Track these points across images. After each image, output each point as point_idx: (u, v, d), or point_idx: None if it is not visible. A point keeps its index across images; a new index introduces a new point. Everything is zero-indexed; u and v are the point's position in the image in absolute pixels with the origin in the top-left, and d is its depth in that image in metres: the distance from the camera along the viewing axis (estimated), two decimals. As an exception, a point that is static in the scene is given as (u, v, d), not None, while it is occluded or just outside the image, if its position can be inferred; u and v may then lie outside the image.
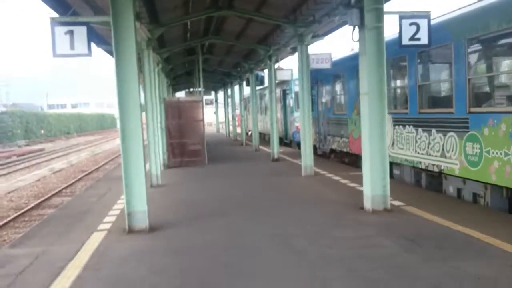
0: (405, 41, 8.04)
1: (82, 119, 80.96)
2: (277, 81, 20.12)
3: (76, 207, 10.44)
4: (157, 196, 10.89)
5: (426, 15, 8.04)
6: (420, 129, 10.86)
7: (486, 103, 8.82)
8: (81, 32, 7.29)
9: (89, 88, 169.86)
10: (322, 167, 14.67)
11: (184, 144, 17.18)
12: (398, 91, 12.83)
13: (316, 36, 12.73)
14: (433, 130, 10.26)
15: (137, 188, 7.29)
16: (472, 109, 8.92)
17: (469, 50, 8.92)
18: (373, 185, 8.27)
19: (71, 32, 7.29)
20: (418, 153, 10.95)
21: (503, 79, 8.98)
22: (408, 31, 8.02)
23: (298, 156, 19.25)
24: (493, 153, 8.28)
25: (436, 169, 10.26)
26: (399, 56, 11.50)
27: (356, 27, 8.05)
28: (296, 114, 24.98)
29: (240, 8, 12.61)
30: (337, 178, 12.56)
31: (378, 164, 8.17)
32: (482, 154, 8.58)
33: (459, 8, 9.34)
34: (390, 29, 9.54)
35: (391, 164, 12.89)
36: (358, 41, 8.14)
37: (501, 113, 8.07)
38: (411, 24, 8.03)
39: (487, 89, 9.22)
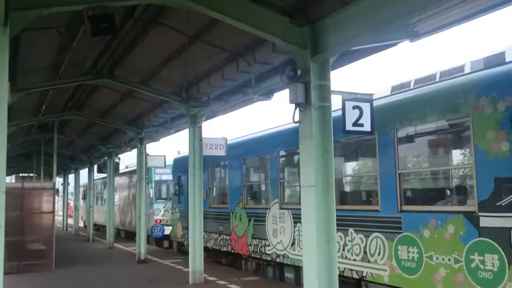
0: (349, 126, 6.86)
1: None
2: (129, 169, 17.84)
3: None
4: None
5: (369, 99, 7.06)
6: (332, 228, 9.60)
7: (425, 201, 7.98)
8: None
9: None
10: (209, 271, 12.45)
11: (23, 243, 13.43)
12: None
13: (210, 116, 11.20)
14: (351, 230, 9.08)
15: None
16: (406, 207, 7.98)
17: (400, 140, 8.16)
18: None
19: None
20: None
21: (447, 172, 8.33)
22: (351, 115, 6.89)
23: (165, 255, 16.74)
24: (438, 259, 7.25)
25: (355, 275, 8.94)
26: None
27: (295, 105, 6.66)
28: (156, 206, 22.56)
29: (124, 78, 10.58)
30: (233, 287, 10.48)
31: (325, 275, 6.46)
32: (422, 259, 7.51)
33: (389, 95, 8.67)
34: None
35: (285, 265, 11.39)
36: (298, 122, 6.72)
37: (447, 213, 7.19)
38: (354, 107, 6.94)
39: (425, 184, 8.47)
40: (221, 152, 11.43)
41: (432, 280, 7.31)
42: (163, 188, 23.60)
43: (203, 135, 10.96)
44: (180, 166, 18.35)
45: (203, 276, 10.83)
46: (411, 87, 8.93)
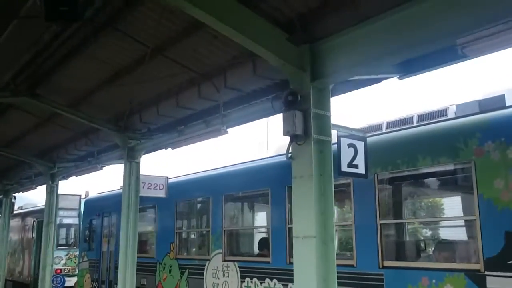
0: (344, 167, 5.84)
1: None
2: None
3: None
4: None
5: (363, 137, 6.13)
6: (291, 285, 8.35)
7: (414, 256, 7.08)
8: None
9: None
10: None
11: None
12: (252, 232, 10.39)
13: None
14: (317, 288, 7.90)
15: None
16: (388, 263, 7.02)
17: (381, 186, 7.29)
18: None
19: None
20: (289, 317, 8.30)
21: (442, 224, 7.51)
22: (347, 155, 5.89)
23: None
24: (431, 324, 6.30)
25: None
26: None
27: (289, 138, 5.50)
28: (57, 253, 19.65)
29: (48, 99, 8.70)
30: None
31: None
32: (411, 324, 6.52)
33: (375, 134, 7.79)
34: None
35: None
36: (291, 158, 5.54)
37: (443, 271, 6.32)
38: (349, 145, 5.96)
39: (413, 237, 7.58)
40: (161, 193, 9.83)
41: None
42: (65, 232, 20.85)
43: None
44: (93, 208, 16.13)
45: None
46: (383, 130, 8.27)
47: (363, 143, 6.14)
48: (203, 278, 10.47)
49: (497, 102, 6.49)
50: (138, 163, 9.27)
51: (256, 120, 6.83)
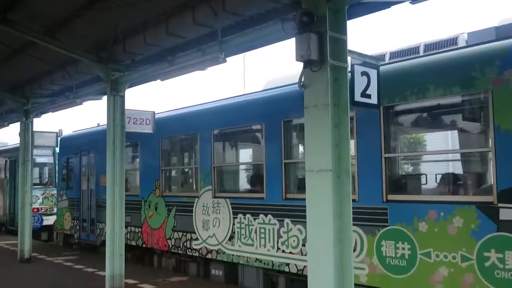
0: (358, 96, 5.43)
1: None
2: None
3: None
4: None
5: (376, 65, 5.69)
6: (287, 220, 8.19)
7: (420, 190, 6.89)
8: None
9: None
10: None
11: None
12: (245, 168, 10.07)
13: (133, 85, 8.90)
14: (315, 222, 7.73)
15: None
16: (393, 197, 6.84)
17: (388, 116, 6.96)
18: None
19: None
20: (284, 251, 8.19)
21: (452, 157, 7.27)
22: (360, 83, 5.46)
23: (52, 252, 13.87)
24: (438, 256, 6.22)
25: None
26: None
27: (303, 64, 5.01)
28: (33, 193, 19.09)
29: (21, 26, 7.81)
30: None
31: (339, 283, 4.93)
32: (416, 257, 6.44)
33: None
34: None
35: (212, 262, 9.74)
36: (303, 87, 5.08)
37: (452, 204, 6.16)
38: (362, 73, 5.52)
39: (420, 170, 7.36)
40: (148, 129, 9.28)
41: (429, 280, 6.28)
42: (39, 172, 20.19)
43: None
44: (70, 146, 15.51)
45: (123, 281, 8.65)
46: (386, 61, 7.84)
47: (376, 71, 5.71)
48: (192, 215, 10.24)
49: (515, 28, 6.10)
50: (122, 97, 8.61)
51: (258, 48, 6.26)
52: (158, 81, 7.82)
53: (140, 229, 11.87)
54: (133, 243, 11.94)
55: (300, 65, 5.00)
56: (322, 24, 4.84)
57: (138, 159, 12.39)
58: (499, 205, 5.69)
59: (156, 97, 60.01)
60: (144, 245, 11.76)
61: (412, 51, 7.62)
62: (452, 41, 7.08)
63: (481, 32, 6.57)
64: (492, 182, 5.82)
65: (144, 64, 8.06)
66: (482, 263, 5.81)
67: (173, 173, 11.88)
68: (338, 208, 4.93)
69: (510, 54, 5.73)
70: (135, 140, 11.61)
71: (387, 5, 5.77)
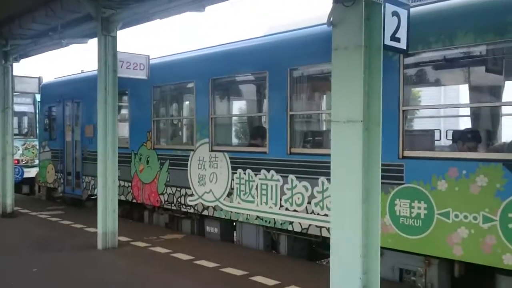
0: (387, 40, 4.83)
1: None
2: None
3: None
4: None
5: (407, 5, 5.07)
6: (292, 177, 7.73)
7: (441, 146, 6.45)
8: None
9: None
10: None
11: None
12: (245, 120, 9.49)
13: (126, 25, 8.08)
14: (322, 179, 7.31)
15: None
16: (409, 153, 6.39)
17: (407, 69, 6.43)
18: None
19: None
20: (288, 209, 7.78)
21: (472, 112, 6.76)
22: (391, 24, 4.86)
23: (35, 205, 13.31)
24: (457, 217, 5.85)
25: (326, 234, 7.28)
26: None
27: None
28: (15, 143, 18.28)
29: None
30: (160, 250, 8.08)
31: (367, 245, 4.51)
32: (433, 217, 6.07)
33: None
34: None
35: (206, 218, 9.34)
36: (332, 25, 4.47)
37: (476, 161, 5.74)
38: (393, 13, 4.91)
39: (438, 125, 6.89)
40: (142, 74, 8.56)
41: (446, 241, 5.94)
42: (18, 121, 19.30)
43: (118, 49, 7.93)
44: (52, 94, 14.65)
45: (117, 238, 8.17)
46: None
47: (406, 12, 5.10)
48: (186, 170, 9.72)
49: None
50: (114, 38, 7.83)
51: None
52: (155, 22, 7.07)
53: (130, 184, 11.34)
54: (122, 198, 11.41)
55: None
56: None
57: (127, 109, 11.69)
58: (530, 163, 5.29)
59: (150, 45, 57.39)
60: (134, 200, 11.28)
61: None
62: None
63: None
64: (524, 139, 5.41)
65: (140, 1, 7.25)
66: (505, 225, 5.47)
67: (167, 124, 11.26)
68: (366, 163, 4.44)
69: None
70: (123, 88, 10.88)
71: None
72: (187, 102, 10.78)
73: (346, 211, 4.47)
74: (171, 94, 10.96)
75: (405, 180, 6.36)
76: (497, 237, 5.54)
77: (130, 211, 11.88)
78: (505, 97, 6.37)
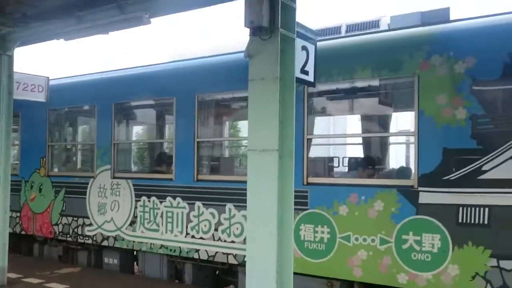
0: (298, 72, 5.12)
1: None
2: None
3: None
4: None
5: (314, 40, 5.44)
6: (199, 203, 7.70)
7: (342, 173, 6.83)
8: None
9: None
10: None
11: None
12: (151, 146, 9.24)
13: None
14: (229, 205, 7.38)
15: None
16: (313, 180, 6.72)
17: (311, 98, 6.81)
18: None
19: None
20: (194, 237, 7.71)
21: (370, 140, 7.21)
22: (300, 58, 5.16)
23: None
24: (357, 240, 6.24)
25: (233, 260, 7.32)
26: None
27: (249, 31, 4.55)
28: None
29: None
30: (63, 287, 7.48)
31: (281, 272, 4.60)
32: (335, 241, 6.41)
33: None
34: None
35: (105, 249, 8.91)
36: (249, 57, 4.62)
37: (374, 187, 6.20)
38: (303, 48, 5.23)
39: (341, 153, 7.27)
40: (40, 97, 8.04)
41: (347, 264, 6.28)
42: None
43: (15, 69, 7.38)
44: None
45: (6, 275, 7.43)
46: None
47: (314, 47, 5.47)
48: (85, 198, 9.23)
49: (441, 15, 6.27)
50: (11, 57, 7.28)
51: (194, 9, 5.58)
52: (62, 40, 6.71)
53: (18, 214, 10.46)
54: (9, 230, 10.46)
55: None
56: (272, -13, 4.43)
57: (18, 133, 10.85)
58: (419, 189, 5.83)
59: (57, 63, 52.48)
60: (23, 232, 10.39)
61: (334, 31, 7.53)
62: (374, 24, 7.12)
63: (405, 17, 6.66)
64: (414, 166, 5.95)
65: (43, 20, 6.86)
66: (400, 246, 5.93)
67: (64, 150, 10.63)
68: (281, 192, 4.59)
69: (437, 39, 5.86)
70: (15, 110, 10.10)
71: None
72: (87, 127, 10.31)
73: (262, 239, 4.55)
74: (69, 118, 10.41)
75: (310, 206, 6.64)
76: (392, 258, 5.98)
77: (18, 244, 10.90)
78: (393, 128, 7.01)
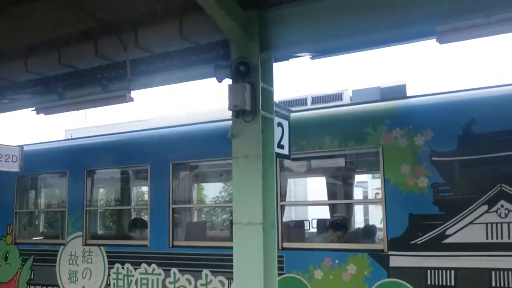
0: (275, 147, 5.52)
1: None
2: None
3: None
4: None
5: (287, 116, 5.89)
6: (175, 270, 7.77)
7: (317, 238, 7.14)
8: None
9: None
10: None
11: None
12: (125, 212, 9.28)
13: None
14: (206, 271, 7.50)
15: None
16: (288, 245, 6.99)
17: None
18: None
19: None
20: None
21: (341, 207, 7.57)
22: (277, 134, 5.58)
23: None
24: (333, 303, 6.49)
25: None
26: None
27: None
28: None
29: None
30: None
31: None
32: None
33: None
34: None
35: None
36: (233, 136, 4.98)
37: (347, 251, 6.53)
38: (278, 124, 5.66)
39: (313, 219, 7.60)
40: (14, 167, 8.04)
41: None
42: None
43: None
44: None
45: None
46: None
47: (287, 122, 5.91)
48: (55, 266, 9.08)
49: (399, 91, 6.90)
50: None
51: (175, 83, 5.93)
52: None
53: (-20, 285, 10.08)
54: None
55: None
56: (255, 75, 4.87)
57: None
58: (389, 252, 6.21)
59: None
60: (-15, 304, 10.00)
61: (300, 102, 8.05)
62: (338, 96, 7.69)
63: (366, 91, 7.27)
64: (383, 231, 6.35)
65: (20, 91, 7.03)
66: (372, 308, 6.22)
67: (32, 217, 10.47)
68: (266, 264, 4.85)
69: (398, 114, 6.45)
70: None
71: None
72: (57, 193, 10.25)
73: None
74: (39, 185, 10.34)
75: (285, 271, 6.86)
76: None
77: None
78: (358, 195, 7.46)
